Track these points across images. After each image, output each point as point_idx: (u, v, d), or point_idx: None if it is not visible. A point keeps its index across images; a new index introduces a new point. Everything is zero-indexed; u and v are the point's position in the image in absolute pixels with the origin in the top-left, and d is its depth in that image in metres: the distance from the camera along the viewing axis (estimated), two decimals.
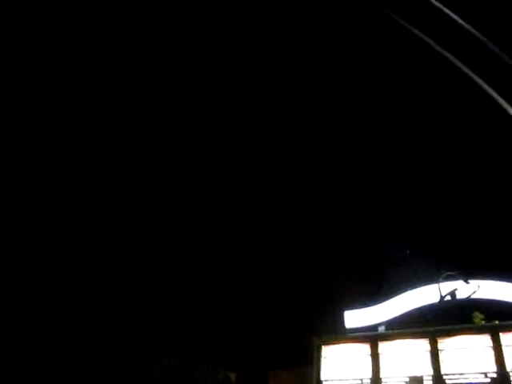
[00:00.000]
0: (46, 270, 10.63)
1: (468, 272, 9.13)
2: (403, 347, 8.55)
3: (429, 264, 10.57)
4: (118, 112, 11.83)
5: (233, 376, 11.73)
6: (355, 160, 13.73)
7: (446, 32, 4.49)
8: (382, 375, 8.38)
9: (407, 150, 13.02)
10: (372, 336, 9.05)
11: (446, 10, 4.35)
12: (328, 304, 11.61)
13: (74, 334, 10.18)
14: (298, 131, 13.26)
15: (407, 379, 8.16)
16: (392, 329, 9.28)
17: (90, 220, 11.81)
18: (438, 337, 8.32)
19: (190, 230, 13.52)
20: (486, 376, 7.61)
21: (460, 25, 4.12)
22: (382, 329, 9.34)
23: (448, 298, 8.97)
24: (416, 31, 4.55)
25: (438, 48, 4.30)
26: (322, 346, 9.22)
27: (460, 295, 8.94)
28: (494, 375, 7.57)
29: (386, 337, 8.92)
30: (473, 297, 8.86)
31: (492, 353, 7.78)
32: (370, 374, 8.46)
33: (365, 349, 8.81)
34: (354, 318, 9.72)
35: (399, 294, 9.63)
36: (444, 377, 7.91)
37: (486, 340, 7.96)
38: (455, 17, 4.14)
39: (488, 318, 8.80)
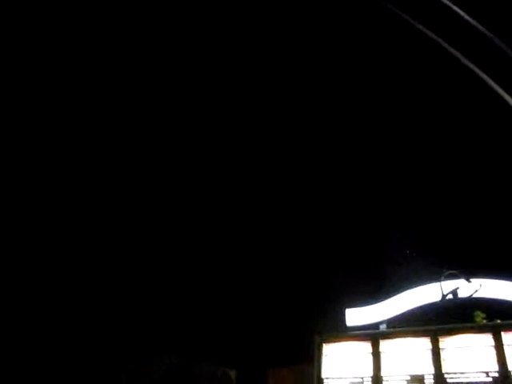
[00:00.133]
0: (45, 270, 10.61)
1: (470, 271, 9.09)
2: (404, 345, 8.51)
3: (430, 262, 10.54)
4: (117, 112, 11.79)
5: (233, 373, 11.74)
6: (356, 158, 13.68)
7: (449, 25, 4.42)
8: (383, 373, 8.35)
9: (410, 149, 12.97)
10: (373, 334, 9.02)
11: (448, 3, 4.29)
12: (329, 302, 11.59)
13: (74, 333, 10.16)
14: (298, 129, 13.21)
15: (408, 378, 8.13)
16: (393, 327, 9.25)
17: (89, 219, 11.79)
18: (440, 335, 8.28)
19: (190, 228, 13.50)
20: (488, 375, 7.58)
21: (466, 20, 4.06)
22: (383, 327, 9.31)
23: (450, 296, 8.94)
24: (420, 27, 4.49)
25: (445, 45, 4.24)
26: (323, 344, 9.19)
27: (462, 294, 8.91)
28: (496, 374, 7.53)
29: (387, 335, 8.89)
30: (475, 296, 8.83)
31: (494, 352, 7.73)
32: (370, 372, 8.43)
33: (366, 347, 8.78)
34: (355, 315, 9.70)
35: (401, 292, 9.60)
36: (445, 376, 7.87)
37: (487, 339, 7.91)
38: (461, 12, 4.08)
39: (490, 317, 8.76)
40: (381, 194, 13.64)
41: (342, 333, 9.48)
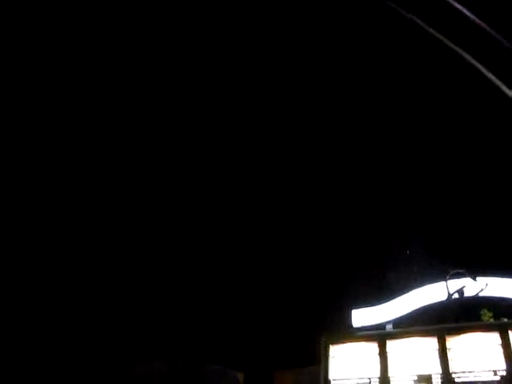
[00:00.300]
0: (48, 272, 10.66)
1: (476, 269, 9.06)
2: (411, 345, 8.51)
3: (436, 262, 10.52)
4: (117, 112, 11.85)
5: (240, 376, 11.73)
6: (360, 159, 13.67)
7: (452, 24, 4.43)
8: (390, 374, 8.35)
9: (414, 148, 12.96)
10: (380, 335, 9.01)
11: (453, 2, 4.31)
12: (335, 303, 11.57)
13: (82, 336, 10.21)
14: (303, 131, 13.23)
15: (415, 378, 8.12)
16: (400, 327, 9.23)
17: (91, 221, 11.83)
18: (447, 335, 8.27)
19: (195, 229, 13.52)
20: (496, 374, 7.57)
21: (470, 18, 4.08)
22: (389, 327, 9.28)
23: (456, 295, 8.90)
24: (424, 24, 4.50)
25: (449, 44, 4.25)
26: (330, 345, 9.19)
27: (468, 293, 8.87)
28: (504, 373, 7.51)
29: (393, 335, 8.88)
30: (481, 294, 8.79)
31: (501, 351, 7.73)
32: (378, 373, 8.43)
33: (373, 347, 8.78)
34: (362, 316, 9.67)
35: (407, 292, 9.56)
36: (453, 375, 7.87)
37: (494, 338, 7.90)
38: (466, 11, 4.10)
39: (496, 316, 8.73)
40: (387, 195, 13.62)
41: (349, 334, 9.46)
